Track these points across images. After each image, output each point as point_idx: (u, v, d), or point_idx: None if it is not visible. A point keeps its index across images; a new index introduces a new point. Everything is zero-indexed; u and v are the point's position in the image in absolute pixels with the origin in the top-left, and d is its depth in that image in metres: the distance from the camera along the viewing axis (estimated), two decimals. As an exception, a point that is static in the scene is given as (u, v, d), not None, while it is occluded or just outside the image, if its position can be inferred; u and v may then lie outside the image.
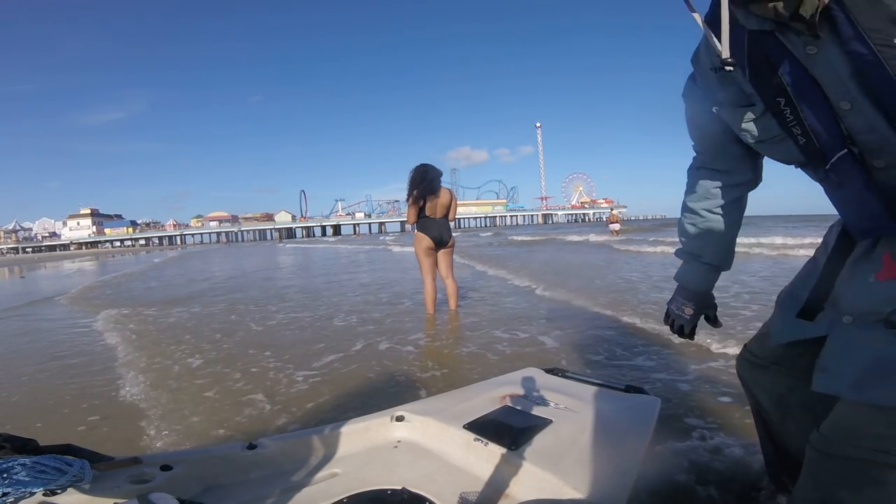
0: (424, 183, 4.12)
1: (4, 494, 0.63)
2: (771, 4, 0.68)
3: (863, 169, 0.72)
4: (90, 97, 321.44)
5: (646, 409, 1.32)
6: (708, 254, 1.11)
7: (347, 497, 0.99)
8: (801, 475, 0.83)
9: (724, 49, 0.72)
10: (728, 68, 0.73)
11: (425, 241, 4.19)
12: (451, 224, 4.35)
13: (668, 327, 1.25)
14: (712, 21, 0.78)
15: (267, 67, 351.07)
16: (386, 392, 2.40)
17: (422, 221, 4.20)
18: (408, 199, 4.19)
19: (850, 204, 0.78)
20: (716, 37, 0.74)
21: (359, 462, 1.13)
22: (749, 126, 0.84)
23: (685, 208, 1.13)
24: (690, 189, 1.11)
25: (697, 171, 1.09)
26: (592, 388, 1.48)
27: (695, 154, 1.10)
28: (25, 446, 0.75)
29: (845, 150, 0.71)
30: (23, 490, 0.64)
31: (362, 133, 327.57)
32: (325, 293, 6.33)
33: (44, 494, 0.68)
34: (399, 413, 1.27)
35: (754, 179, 1.05)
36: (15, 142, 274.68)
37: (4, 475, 0.64)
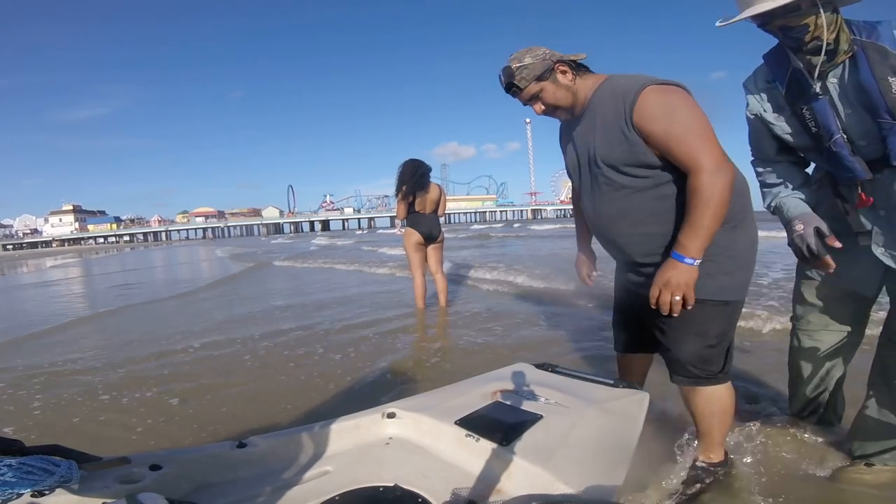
0: (414, 179, 4.11)
1: (-9, 496, 0.62)
2: (816, 59, 1.23)
3: (848, 145, 1.28)
4: (72, 93, 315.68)
5: (635, 404, 1.33)
6: (790, 186, 1.48)
7: (339, 494, 0.99)
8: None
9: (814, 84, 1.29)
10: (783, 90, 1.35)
11: (415, 236, 4.19)
12: (441, 219, 4.35)
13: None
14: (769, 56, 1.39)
15: (249, 64, 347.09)
16: (376, 389, 2.39)
17: (411, 217, 4.20)
18: (397, 195, 4.18)
19: (840, 165, 1.32)
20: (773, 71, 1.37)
21: (350, 459, 1.12)
22: (782, 124, 1.41)
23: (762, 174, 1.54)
24: (767, 175, 1.52)
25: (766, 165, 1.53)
26: (582, 383, 1.49)
27: (755, 159, 1.55)
28: (10, 447, 0.73)
29: (839, 134, 1.28)
30: (10, 491, 0.63)
31: (350, 128, 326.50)
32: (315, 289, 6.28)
33: (31, 495, 0.67)
34: (390, 410, 1.26)
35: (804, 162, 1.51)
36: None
37: (-10, 477, 0.63)
